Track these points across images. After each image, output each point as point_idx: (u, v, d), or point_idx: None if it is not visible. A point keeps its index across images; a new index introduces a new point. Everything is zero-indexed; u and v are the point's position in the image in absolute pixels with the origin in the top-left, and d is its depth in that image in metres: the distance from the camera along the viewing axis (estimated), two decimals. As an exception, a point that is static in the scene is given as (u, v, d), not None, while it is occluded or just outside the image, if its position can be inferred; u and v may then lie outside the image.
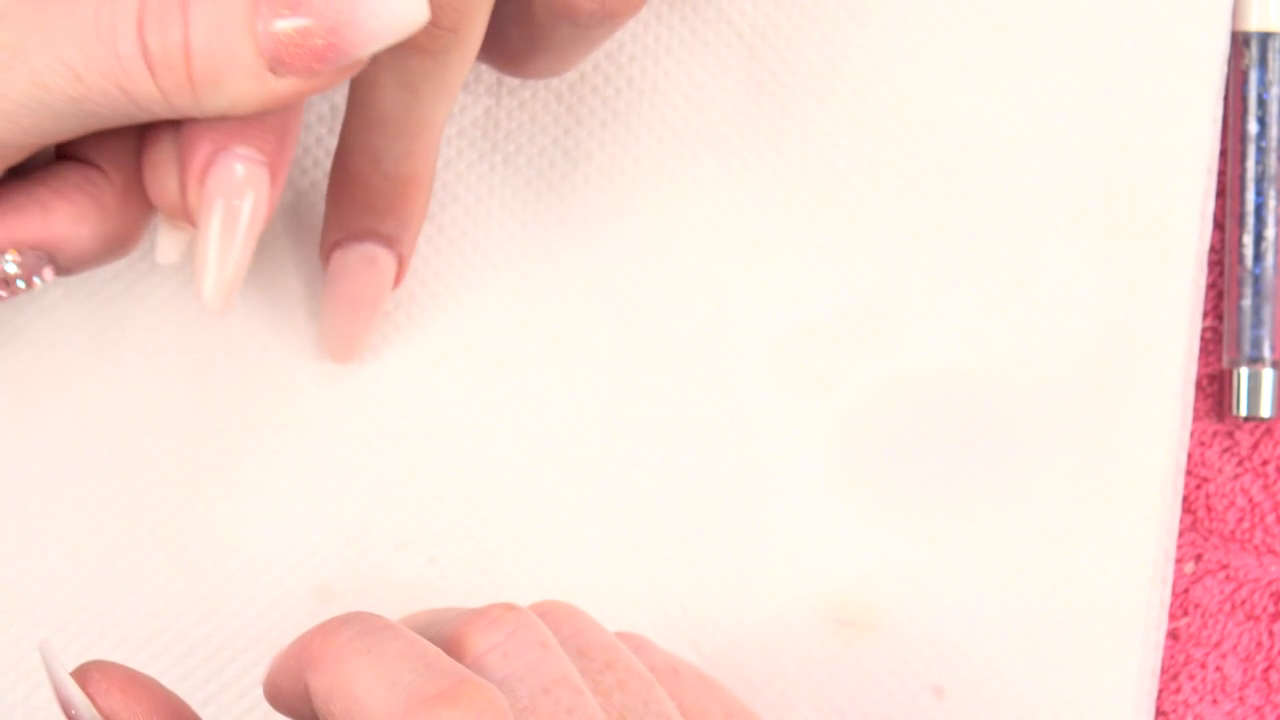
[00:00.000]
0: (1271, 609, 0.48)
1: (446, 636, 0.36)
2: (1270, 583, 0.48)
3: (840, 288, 0.47)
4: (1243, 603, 0.48)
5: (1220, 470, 0.48)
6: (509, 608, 0.36)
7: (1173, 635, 0.48)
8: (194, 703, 0.45)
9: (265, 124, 0.36)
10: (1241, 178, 0.48)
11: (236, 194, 0.34)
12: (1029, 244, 0.47)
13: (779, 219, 0.47)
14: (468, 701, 0.33)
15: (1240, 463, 0.48)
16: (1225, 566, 0.48)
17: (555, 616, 0.38)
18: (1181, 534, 0.48)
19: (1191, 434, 0.48)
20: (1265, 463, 0.48)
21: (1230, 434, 0.48)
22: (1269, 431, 0.48)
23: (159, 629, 0.46)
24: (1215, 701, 0.48)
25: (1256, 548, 0.48)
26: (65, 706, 0.35)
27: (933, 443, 0.47)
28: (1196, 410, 0.48)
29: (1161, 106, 0.47)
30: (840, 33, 0.47)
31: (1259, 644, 0.48)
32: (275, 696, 0.37)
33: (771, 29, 0.47)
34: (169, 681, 0.46)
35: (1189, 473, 0.48)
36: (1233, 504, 0.48)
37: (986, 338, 0.47)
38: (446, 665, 0.34)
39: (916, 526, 0.47)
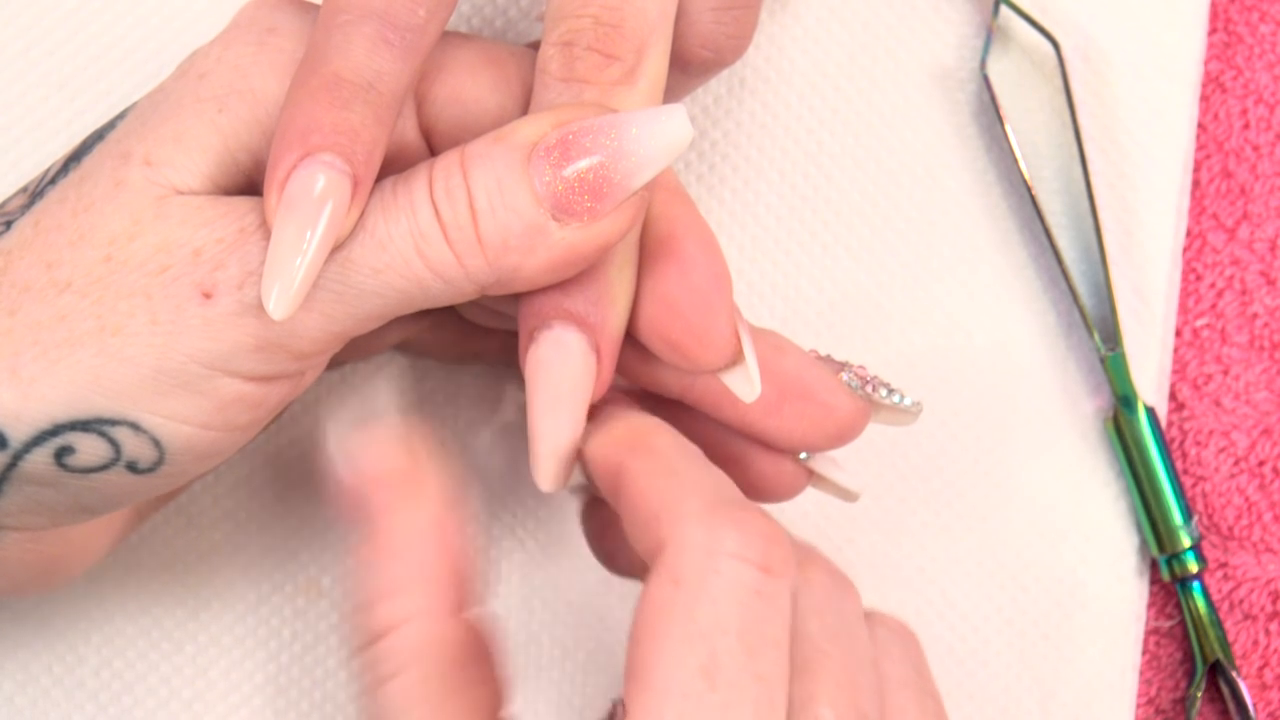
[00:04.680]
0: (1270, 608, 0.48)
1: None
2: (1269, 582, 0.48)
3: (824, 282, 0.47)
4: (1241, 602, 0.48)
5: (1217, 469, 0.48)
6: (773, 536, 0.34)
7: (1172, 634, 0.48)
8: (180, 701, 0.46)
9: None
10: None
11: (316, 205, 0.34)
12: (1010, 237, 0.47)
13: (763, 215, 0.47)
14: (766, 527, 0.33)
15: (1237, 462, 0.48)
16: (1223, 565, 0.48)
17: (844, 590, 0.37)
18: (1179, 533, 0.48)
19: (1188, 433, 0.48)
20: (1262, 462, 0.48)
21: (1227, 433, 0.48)
22: (1266, 431, 0.48)
23: (147, 625, 0.46)
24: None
25: (1255, 545, 0.48)
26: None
27: (916, 437, 0.47)
28: (1192, 409, 0.48)
29: (1139, 105, 0.48)
30: (822, 29, 0.48)
31: (1256, 643, 0.48)
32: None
33: (757, 28, 0.47)
34: (155, 678, 0.46)
35: (1185, 472, 0.48)
36: (1230, 503, 0.48)
37: (968, 330, 0.47)
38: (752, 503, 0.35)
39: (900, 520, 0.47)
